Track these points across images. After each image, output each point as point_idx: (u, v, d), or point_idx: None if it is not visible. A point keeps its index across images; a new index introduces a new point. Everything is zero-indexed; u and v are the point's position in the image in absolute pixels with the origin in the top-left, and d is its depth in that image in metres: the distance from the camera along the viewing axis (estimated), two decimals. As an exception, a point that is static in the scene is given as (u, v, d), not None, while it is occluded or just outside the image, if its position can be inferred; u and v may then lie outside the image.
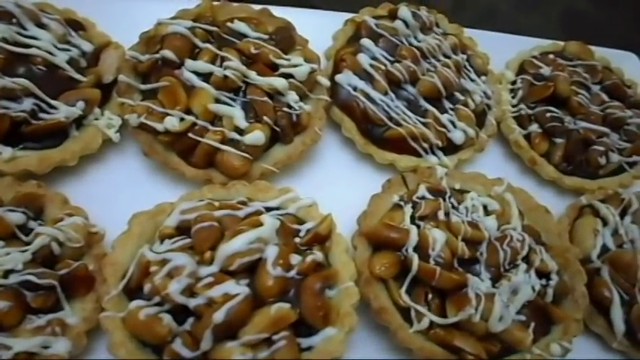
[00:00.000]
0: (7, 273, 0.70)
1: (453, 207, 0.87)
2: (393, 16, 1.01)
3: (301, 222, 0.82)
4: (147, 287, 0.70)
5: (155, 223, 0.80)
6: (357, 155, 0.98)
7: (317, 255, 0.76)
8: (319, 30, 1.00)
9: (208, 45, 0.89)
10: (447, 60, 0.98)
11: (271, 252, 0.73)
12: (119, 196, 0.87)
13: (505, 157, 1.05)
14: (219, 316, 0.66)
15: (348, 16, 1.07)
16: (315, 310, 0.72)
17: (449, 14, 1.10)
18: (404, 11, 0.99)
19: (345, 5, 1.09)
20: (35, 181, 0.81)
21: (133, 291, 0.73)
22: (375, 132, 0.94)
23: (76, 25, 0.94)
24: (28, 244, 0.73)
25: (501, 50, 1.11)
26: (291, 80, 0.90)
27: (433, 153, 0.95)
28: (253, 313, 0.69)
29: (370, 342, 0.83)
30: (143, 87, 0.89)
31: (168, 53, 0.86)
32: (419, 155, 0.95)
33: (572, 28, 1.52)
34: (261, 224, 0.74)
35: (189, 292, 0.69)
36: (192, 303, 0.68)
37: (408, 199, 0.87)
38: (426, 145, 0.94)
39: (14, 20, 0.87)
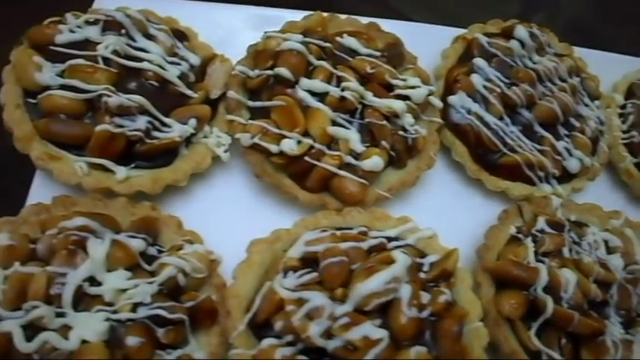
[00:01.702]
0: (135, 306, 0.67)
1: (575, 242, 0.83)
2: (506, 34, 0.96)
3: (422, 254, 0.79)
4: (279, 325, 0.68)
5: (273, 252, 0.77)
6: (465, 180, 0.94)
7: (448, 294, 0.73)
8: (421, 44, 0.96)
9: (323, 63, 0.85)
10: (563, 84, 0.94)
11: (405, 292, 0.69)
12: (228, 218, 0.84)
13: (612, 186, 1.01)
14: (365, 362, 0.63)
15: (449, 29, 1.04)
16: (454, 356, 0.69)
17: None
18: (521, 31, 0.94)
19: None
20: (148, 203, 0.79)
21: (258, 326, 0.70)
22: (488, 158, 0.90)
23: (180, 35, 0.90)
24: (151, 273, 0.71)
25: (605, 70, 1.06)
26: (408, 102, 0.86)
27: (547, 181, 0.91)
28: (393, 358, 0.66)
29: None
30: (252, 104, 0.85)
31: (284, 71, 0.82)
32: (532, 183, 0.91)
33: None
34: (392, 261, 0.71)
35: (327, 333, 0.66)
36: (330, 345, 0.66)
37: (527, 232, 0.84)
38: (541, 174, 0.90)
39: (123, 31, 0.83)
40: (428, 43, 0.97)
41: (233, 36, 0.97)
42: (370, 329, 0.66)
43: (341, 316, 0.67)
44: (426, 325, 0.70)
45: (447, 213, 0.90)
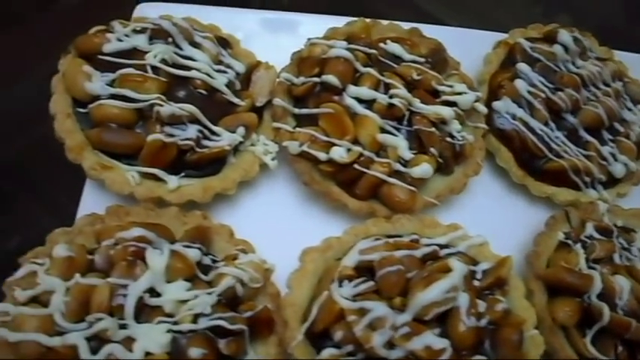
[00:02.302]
0: (195, 317, 0.67)
1: (624, 248, 0.83)
2: (549, 39, 0.96)
3: (473, 262, 0.78)
4: (339, 335, 0.68)
5: (325, 260, 0.77)
6: (509, 186, 0.93)
7: (504, 302, 0.73)
8: (460, 49, 0.96)
9: (370, 70, 0.84)
10: (606, 88, 0.93)
11: (463, 300, 0.69)
12: (276, 226, 0.84)
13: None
14: (431, 373, 0.63)
15: (488, 34, 1.03)
16: (514, 365, 0.68)
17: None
18: (564, 35, 0.94)
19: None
20: (200, 212, 0.78)
21: (316, 335, 0.70)
22: (533, 163, 0.89)
23: (224, 42, 0.90)
24: (208, 283, 0.70)
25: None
26: (454, 108, 0.86)
27: (593, 187, 0.91)
28: (455, 367, 0.66)
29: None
30: (299, 112, 0.85)
31: (332, 79, 0.82)
32: (577, 188, 0.90)
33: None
34: (449, 269, 0.71)
35: (389, 343, 0.66)
36: (392, 356, 0.65)
37: (576, 238, 0.83)
38: (587, 179, 0.89)
39: (170, 39, 0.83)
40: (467, 48, 0.97)
41: (250, 41, 0.96)
42: (432, 339, 0.66)
43: (401, 326, 0.67)
44: (485, 334, 0.70)
45: (492, 219, 0.89)
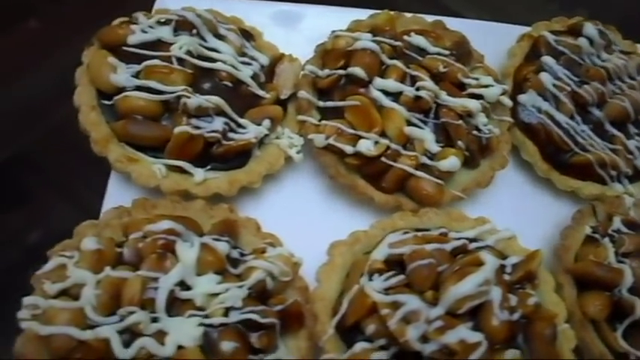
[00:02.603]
0: (226, 310, 0.66)
1: (652, 242, 0.82)
2: (574, 32, 0.95)
3: (502, 255, 0.77)
4: (371, 328, 0.67)
5: (353, 254, 0.76)
6: (533, 181, 0.92)
7: (535, 296, 0.72)
8: (483, 42, 0.95)
9: (396, 62, 0.84)
10: (632, 81, 0.93)
11: (496, 294, 0.68)
12: (301, 219, 0.83)
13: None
14: (465, 366, 0.62)
15: (511, 27, 1.02)
16: (548, 358, 0.68)
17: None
18: (590, 28, 0.93)
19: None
20: (226, 205, 0.78)
21: (346, 329, 0.69)
22: (559, 157, 0.89)
23: (247, 34, 0.89)
24: (237, 276, 0.70)
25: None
26: (481, 102, 0.85)
27: (619, 181, 0.90)
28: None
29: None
30: (324, 104, 0.84)
31: (358, 71, 0.81)
32: (603, 182, 0.90)
33: None
34: (481, 263, 0.70)
35: (423, 337, 0.65)
36: (427, 349, 0.65)
37: (603, 232, 0.83)
38: (614, 173, 0.88)
39: (194, 31, 0.82)
40: (489, 41, 0.96)
41: (270, 33, 0.94)
42: (466, 333, 0.65)
43: (434, 320, 0.66)
44: (517, 328, 0.69)
45: (517, 213, 0.89)
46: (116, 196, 0.79)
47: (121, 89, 0.76)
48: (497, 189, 0.91)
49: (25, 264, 0.70)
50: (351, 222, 0.81)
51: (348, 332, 0.69)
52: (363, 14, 0.93)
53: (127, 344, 0.61)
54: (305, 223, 0.82)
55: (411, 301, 0.66)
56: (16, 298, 0.65)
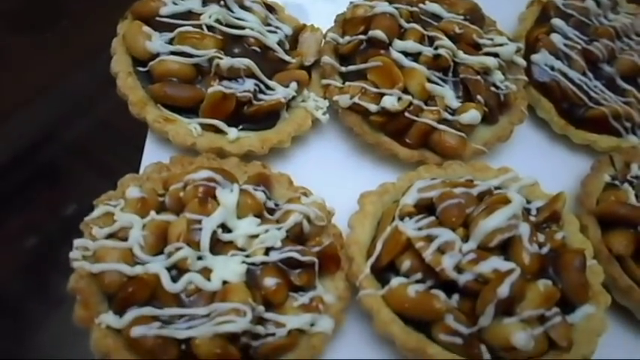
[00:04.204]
0: (267, 250, 0.69)
1: (670, 186, 0.85)
2: (581, -6, 0.99)
3: (526, 201, 0.80)
4: (407, 264, 0.69)
5: (382, 203, 0.79)
6: (550, 137, 0.96)
7: (562, 232, 0.74)
8: (493, 9, 0.99)
9: (414, 25, 0.88)
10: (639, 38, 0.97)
11: (524, 229, 0.71)
12: (329, 177, 0.85)
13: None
14: (503, 290, 0.64)
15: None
16: (579, 287, 0.70)
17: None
18: (596, -10, 0.97)
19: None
20: (259, 162, 0.81)
21: (380, 269, 0.72)
22: (574, 112, 0.92)
23: (270, 8, 0.93)
24: (275, 221, 0.72)
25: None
26: (497, 59, 0.89)
27: (634, 132, 0.93)
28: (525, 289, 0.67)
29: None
30: (346, 69, 0.88)
31: (379, 33, 0.85)
32: (618, 135, 0.93)
33: None
34: (509, 200, 0.73)
35: (457, 268, 0.68)
36: (462, 279, 0.67)
37: (622, 178, 0.85)
38: (628, 125, 0.92)
39: (222, 2, 0.87)
40: (500, 8, 1.00)
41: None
42: (499, 262, 0.68)
43: (467, 253, 0.69)
44: (547, 262, 0.71)
45: (536, 167, 0.89)
46: (153, 156, 0.82)
47: (156, 55, 0.81)
48: (516, 145, 0.94)
49: (64, 237, 0.73)
50: (378, 179, 0.84)
51: (383, 273, 0.72)
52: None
53: (174, 280, 0.64)
54: (333, 180, 0.85)
55: (445, 234, 0.69)
56: (58, 270, 0.67)
